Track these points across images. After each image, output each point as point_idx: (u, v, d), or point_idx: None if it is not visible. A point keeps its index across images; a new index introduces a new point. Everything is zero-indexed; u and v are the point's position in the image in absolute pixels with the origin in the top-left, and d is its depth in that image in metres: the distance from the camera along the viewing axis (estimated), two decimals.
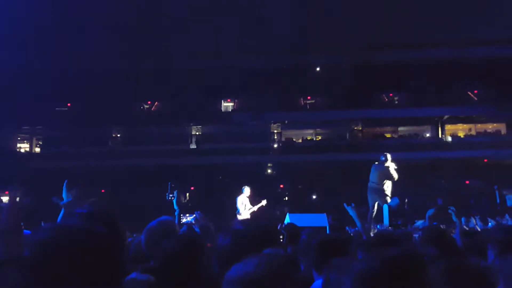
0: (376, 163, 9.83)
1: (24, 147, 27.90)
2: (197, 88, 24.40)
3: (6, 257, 2.10)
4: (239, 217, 9.85)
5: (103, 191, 21.52)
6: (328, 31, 23.41)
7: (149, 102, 27.59)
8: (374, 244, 3.40)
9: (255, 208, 10.29)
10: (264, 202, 10.37)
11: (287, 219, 7.83)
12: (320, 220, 7.61)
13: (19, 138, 27.68)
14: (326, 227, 7.37)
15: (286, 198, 23.44)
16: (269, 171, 26.22)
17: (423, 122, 26.46)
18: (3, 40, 19.25)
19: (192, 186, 23.40)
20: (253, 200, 10.56)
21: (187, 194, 22.32)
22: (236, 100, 27.43)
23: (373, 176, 9.68)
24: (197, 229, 3.89)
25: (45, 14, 19.68)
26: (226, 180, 24.46)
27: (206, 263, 2.43)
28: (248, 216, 10.10)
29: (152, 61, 24.51)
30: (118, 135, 27.52)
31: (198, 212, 3.69)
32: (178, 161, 23.93)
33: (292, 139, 27.67)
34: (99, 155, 24.08)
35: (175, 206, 6.27)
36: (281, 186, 24.08)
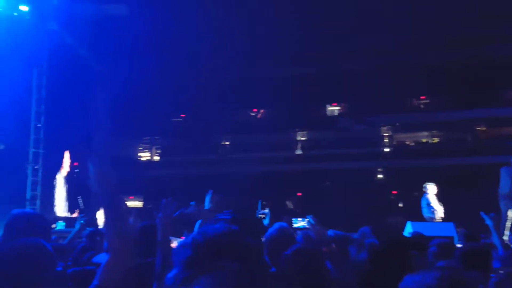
0: (506, 166, 8.78)
1: (144, 156, 30.59)
2: (302, 94, 24.31)
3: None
4: (437, 216, 9.26)
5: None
6: (444, 25, 21.52)
7: (254, 110, 28.31)
8: None
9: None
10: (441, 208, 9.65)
11: (408, 228, 7.18)
12: (446, 229, 6.83)
13: (140, 148, 30.44)
14: (453, 237, 6.59)
15: (401, 205, 22.02)
16: (379, 176, 24.96)
17: None
18: (126, 59, 21.13)
19: (299, 192, 23.38)
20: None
21: (290, 202, 22.41)
22: (342, 104, 26.76)
23: (504, 182, 8.65)
24: (311, 234, 3.87)
25: (157, 28, 21.05)
26: (333, 186, 23.93)
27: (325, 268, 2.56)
28: (442, 215, 9.45)
29: (256, 68, 25.06)
30: (227, 143, 28.69)
31: (311, 216, 3.62)
32: (284, 167, 24.06)
33: (405, 142, 26.12)
34: (210, 162, 25.34)
35: (266, 225, 5.86)
36: (394, 192, 22.74)
